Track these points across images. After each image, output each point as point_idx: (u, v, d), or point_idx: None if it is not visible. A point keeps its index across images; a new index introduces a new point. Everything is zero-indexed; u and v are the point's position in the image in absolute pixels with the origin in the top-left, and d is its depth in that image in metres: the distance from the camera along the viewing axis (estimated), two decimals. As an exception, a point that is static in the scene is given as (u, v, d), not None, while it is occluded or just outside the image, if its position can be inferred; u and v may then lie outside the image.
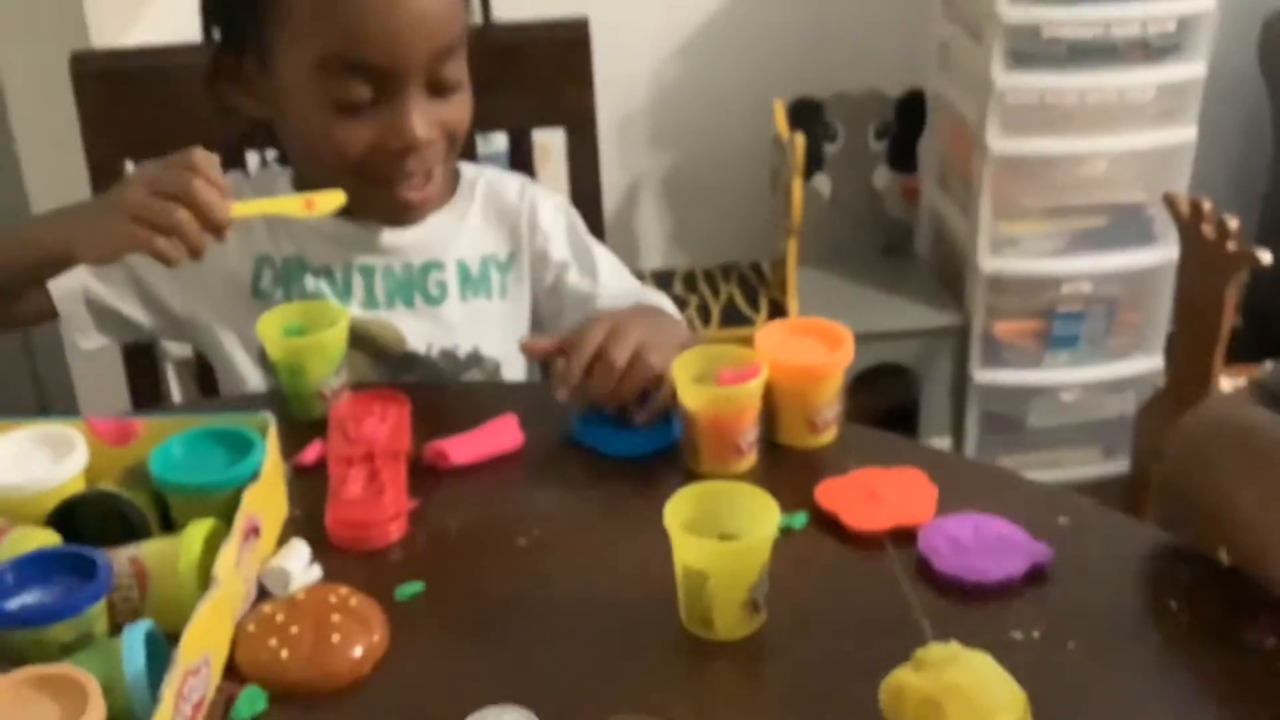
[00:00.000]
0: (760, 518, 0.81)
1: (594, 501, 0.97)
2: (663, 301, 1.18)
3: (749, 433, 0.96)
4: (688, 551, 0.80)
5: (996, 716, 0.69)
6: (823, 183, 2.44)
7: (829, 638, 0.82)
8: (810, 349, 0.99)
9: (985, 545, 0.87)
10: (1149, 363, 2.24)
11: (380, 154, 1.07)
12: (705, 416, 0.95)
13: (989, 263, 2.19)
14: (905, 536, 0.89)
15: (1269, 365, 0.97)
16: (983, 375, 2.27)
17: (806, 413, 0.98)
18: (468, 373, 1.18)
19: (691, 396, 0.95)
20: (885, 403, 2.48)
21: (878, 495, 0.92)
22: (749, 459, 0.97)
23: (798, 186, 2.16)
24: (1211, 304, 1.42)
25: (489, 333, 1.18)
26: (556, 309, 1.21)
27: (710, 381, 0.96)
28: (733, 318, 2.33)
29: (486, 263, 1.19)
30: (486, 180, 1.21)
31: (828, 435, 1.00)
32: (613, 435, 1.00)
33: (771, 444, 1.00)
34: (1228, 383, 1.55)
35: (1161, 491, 0.95)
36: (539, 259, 1.21)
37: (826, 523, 0.91)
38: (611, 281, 1.20)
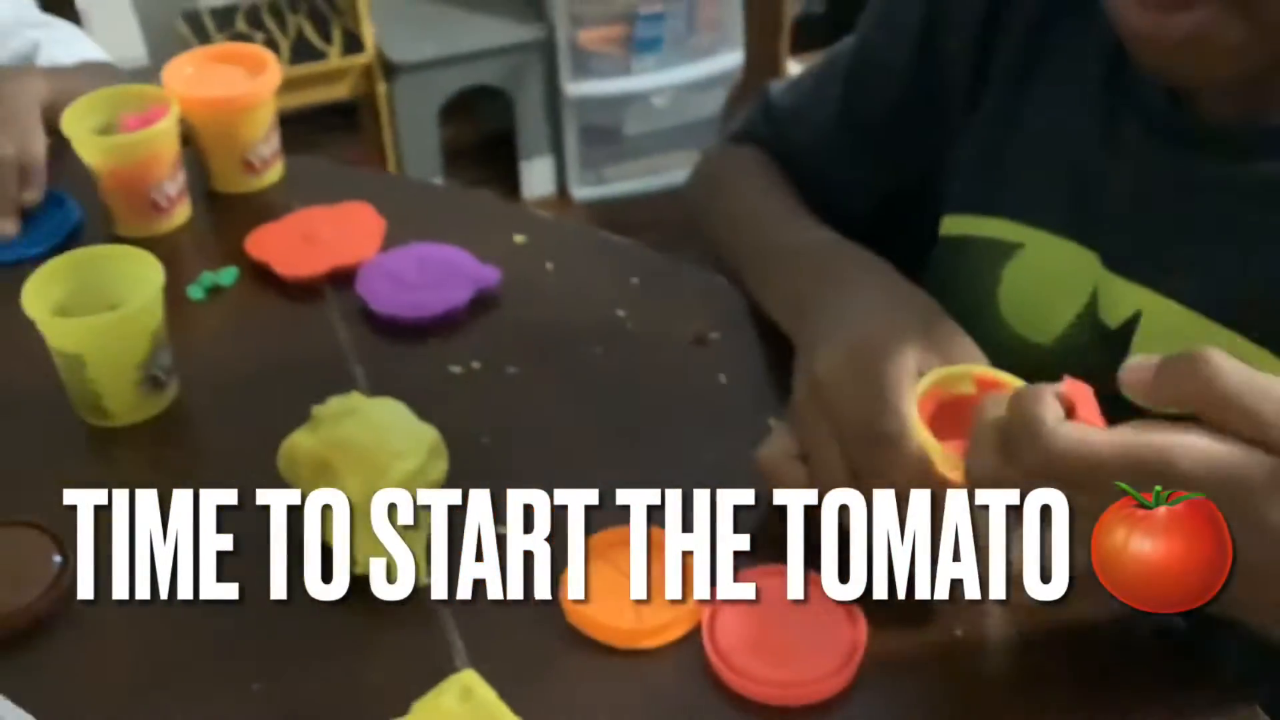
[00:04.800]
0: (142, 283, 0.70)
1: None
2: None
3: (166, 185, 0.84)
4: (55, 335, 0.69)
5: (393, 465, 0.63)
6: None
7: (257, 402, 0.74)
8: (230, 78, 0.87)
9: (428, 277, 0.80)
10: (732, 58, 2.21)
11: None
12: (108, 171, 0.82)
13: (564, -33, 2.08)
14: (346, 279, 0.81)
15: (776, 86, 0.90)
16: (574, 88, 2.20)
17: (239, 152, 0.87)
18: None
19: (90, 150, 0.81)
20: (485, 128, 2.39)
21: (316, 237, 0.83)
22: (178, 215, 0.85)
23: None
24: None
25: None
26: None
27: (113, 131, 0.83)
28: (305, 53, 2.14)
29: None
30: None
31: (271, 175, 0.89)
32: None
33: (210, 194, 0.89)
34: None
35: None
36: None
37: (260, 274, 0.82)
38: None
